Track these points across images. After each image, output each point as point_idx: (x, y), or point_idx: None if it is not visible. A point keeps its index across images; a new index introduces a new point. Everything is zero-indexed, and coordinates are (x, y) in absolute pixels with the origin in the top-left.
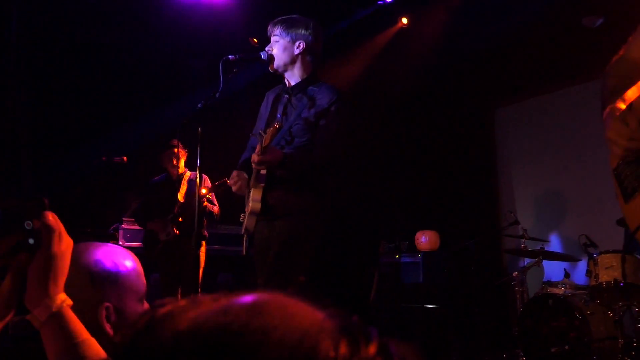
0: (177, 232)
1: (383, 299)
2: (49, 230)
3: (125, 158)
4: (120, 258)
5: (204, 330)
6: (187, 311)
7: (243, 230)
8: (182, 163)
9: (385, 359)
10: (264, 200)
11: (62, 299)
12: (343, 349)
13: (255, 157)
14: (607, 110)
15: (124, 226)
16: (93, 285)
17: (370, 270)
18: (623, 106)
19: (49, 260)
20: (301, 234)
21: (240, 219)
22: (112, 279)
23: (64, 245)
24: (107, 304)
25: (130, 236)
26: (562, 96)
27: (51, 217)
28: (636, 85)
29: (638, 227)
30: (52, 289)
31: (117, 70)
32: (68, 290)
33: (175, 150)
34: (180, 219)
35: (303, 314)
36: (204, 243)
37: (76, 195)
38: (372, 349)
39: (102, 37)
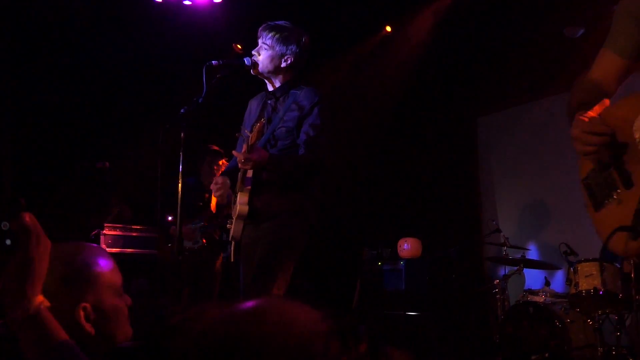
0: (205, 242)
1: (365, 305)
2: (26, 231)
3: (107, 163)
4: (92, 256)
5: (211, 340)
6: (197, 320)
7: (230, 237)
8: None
9: (374, 358)
10: (251, 203)
11: (40, 301)
12: (335, 349)
13: (241, 156)
14: (575, 118)
15: (105, 232)
16: (67, 287)
17: (353, 277)
18: (593, 114)
19: (27, 262)
20: (287, 236)
21: (228, 226)
22: (85, 278)
23: (42, 247)
24: (84, 304)
25: (112, 242)
26: (544, 105)
27: (28, 219)
28: (598, 106)
29: (609, 236)
30: (29, 291)
31: (102, 75)
32: (45, 294)
33: (221, 162)
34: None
35: (300, 319)
36: (221, 253)
37: (58, 201)
38: (362, 348)
39: (88, 43)
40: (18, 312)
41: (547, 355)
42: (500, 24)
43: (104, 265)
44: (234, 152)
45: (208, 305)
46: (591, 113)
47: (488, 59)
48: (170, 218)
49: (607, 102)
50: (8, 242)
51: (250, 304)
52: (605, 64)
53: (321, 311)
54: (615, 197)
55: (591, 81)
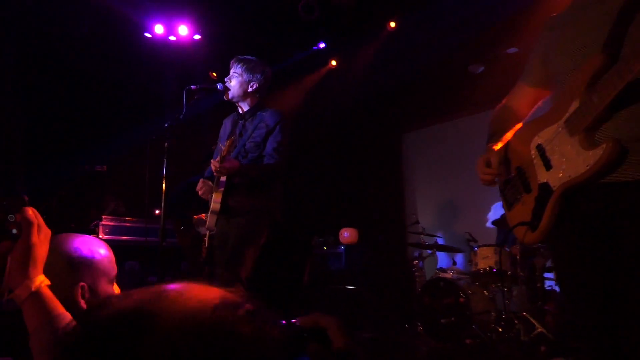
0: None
1: (314, 281)
2: (28, 222)
3: (105, 167)
4: (95, 246)
5: (120, 313)
6: (116, 301)
7: (206, 228)
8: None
9: (254, 320)
10: (223, 202)
11: (41, 280)
12: (226, 317)
13: (215, 165)
14: (479, 160)
15: (103, 222)
16: (71, 268)
17: (304, 259)
18: (496, 146)
19: (29, 248)
20: (254, 230)
21: (203, 218)
22: (87, 263)
23: (42, 235)
24: (83, 283)
25: (109, 231)
26: (456, 124)
27: (30, 212)
28: (512, 129)
29: (515, 225)
30: (32, 272)
31: (101, 94)
32: (50, 272)
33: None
34: None
35: (194, 293)
36: None
37: (63, 197)
38: (241, 312)
39: (92, 66)
40: (22, 289)
41: (453, 319)
42: (421, 60)
43: (104, 255)
44: (211, 161)
45: (133, 290)
46: (496, 146)
47: (412, 87)
48: (157, 212)
49: (519, 126)
50: (14, 231)
51: (158, 287)
52: (519, 93)
53: (221, 290)
54: (520, 200)
55: (508, 107)
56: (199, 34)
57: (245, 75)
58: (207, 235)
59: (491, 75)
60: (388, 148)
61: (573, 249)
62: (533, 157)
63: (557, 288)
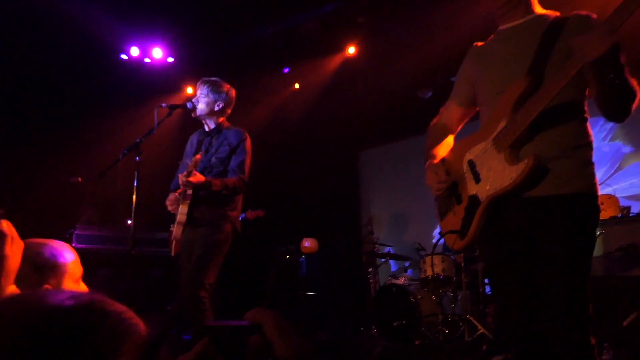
0: None
1: (278, 288)
2: (2, 235)
3: (80, 179)
4: (58, 250)
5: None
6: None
7: (172, 238)
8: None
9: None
10: (189, 213)
11: (12, 290)
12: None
13: (182, 179)
14: (427, 164)
15: (77, 232)
16: (35, 272)
17: (268, 266)
18: (436, 161)
19: (1, 260)
20: (217, 239)
21: (170, 229)
22: (50, 266)
23: (15, 247)
24: (47, 285)
25: (83, 239)
26: (407, 143)
27: (4, 225)
28: (440, 144)
29: (445, 233)
30: (3, 282)
31: (80, 110)
32: (16, 277)
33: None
34: None
35: (46, 300)
36: None
37: (40, 206)
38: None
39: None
40: None
41: (404, 321)
42: (375, 84)
43: (68, 257)
44: (179, 175)
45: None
46: (436, 161)
47: (367, 109)
48: (129, 222)
49: (451, 142)
50: None
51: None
52: (448, 112)
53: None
54: (452, 210)
55: (440, 124)
56: (172, 57)
57: (211, 95)
58: (173, 244)
59: (438, 99)
60: (345, 165)
61: (497, 253)
62: (465, 171)
63: None
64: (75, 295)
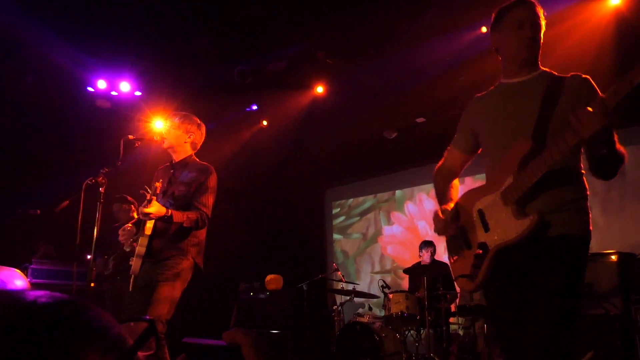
0: None
1: (240, 324)
2: None
3: (39, 211)
4: (9, 278)
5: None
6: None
7: (131, 272)
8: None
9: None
10: (149, 245)
11: None
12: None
13: (141, 209)
14: (441, 207)
15: (33, 266)
16: None
17: (232, 303)
18: (451, 206)
19: None
20: (177, 272)
21: (130, 263)
22: None
23: None
24: None
25: (38, 274)
26: (373, 182)
27: None
28: (450, 187)
29: (457, 277)
30: None
31: (42, 141)
32: None
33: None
34: None
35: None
36: None
37: None
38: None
39: (32, 115)
40: None
41: None
42: (342, 124)
43: (18, 285)
44: (139, 207)
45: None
46: (447, 206)
47: (333, 148)
48: (89, 256)
49: (457, 184)
50: None
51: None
52: (452, 157)
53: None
54: (462, 254)
55: (445, 169)
56: (140, 91)
57: (181, 128)
58: (132, 278)
59: (403, 140)
60: (312, 202)
61: (500, 292)
62: (475, 219)
63: (459, 332)
64: (51, 295)
